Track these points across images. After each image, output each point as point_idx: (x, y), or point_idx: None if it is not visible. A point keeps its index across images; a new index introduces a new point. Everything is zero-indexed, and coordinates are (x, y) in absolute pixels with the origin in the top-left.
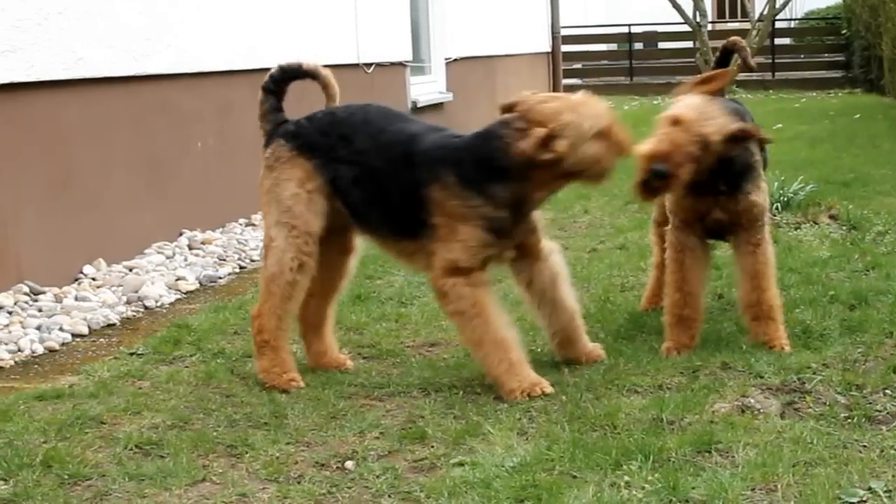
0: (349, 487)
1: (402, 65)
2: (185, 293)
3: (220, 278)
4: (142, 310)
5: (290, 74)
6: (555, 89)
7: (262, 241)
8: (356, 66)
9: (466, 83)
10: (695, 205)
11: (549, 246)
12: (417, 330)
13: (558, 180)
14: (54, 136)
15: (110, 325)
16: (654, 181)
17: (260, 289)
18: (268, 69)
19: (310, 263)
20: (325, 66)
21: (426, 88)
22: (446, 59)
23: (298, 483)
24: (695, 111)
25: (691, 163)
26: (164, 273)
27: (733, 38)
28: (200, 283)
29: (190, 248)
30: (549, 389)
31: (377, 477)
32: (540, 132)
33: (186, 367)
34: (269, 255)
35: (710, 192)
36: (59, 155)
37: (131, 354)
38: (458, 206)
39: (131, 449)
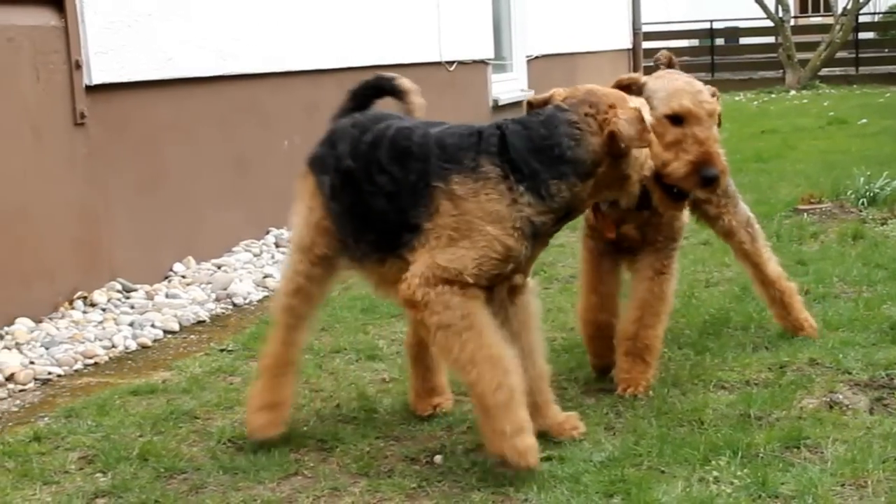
0: (439, 481)
1: (483, 63)
2: (272, 290)
3: None
4: (230, 307)
5: (372, 92)
6: None
7: None
8: (438, 64)
9: (548, 81)
10: (609, 212)
11: (531, 282)
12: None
13: (612, 184)
14: (145, 136)
15: (200, 322)
16: (707, 189)
17: None
18: (353, 68)
19: (306, 287)
20: (408, 63)
21: (507, 86)
22: (528, 56)
23: (389, 477)
24: (689, 97)
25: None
26: (251, 270)
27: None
28: None
29: (277, 245)
30: (535, 462)
31: (466, 471)
32: (635, 114)
33: None
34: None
35: (640, 204)
36: (150, 154)
37: (221, 351)
38: (492, 203)
39: (224, 443)
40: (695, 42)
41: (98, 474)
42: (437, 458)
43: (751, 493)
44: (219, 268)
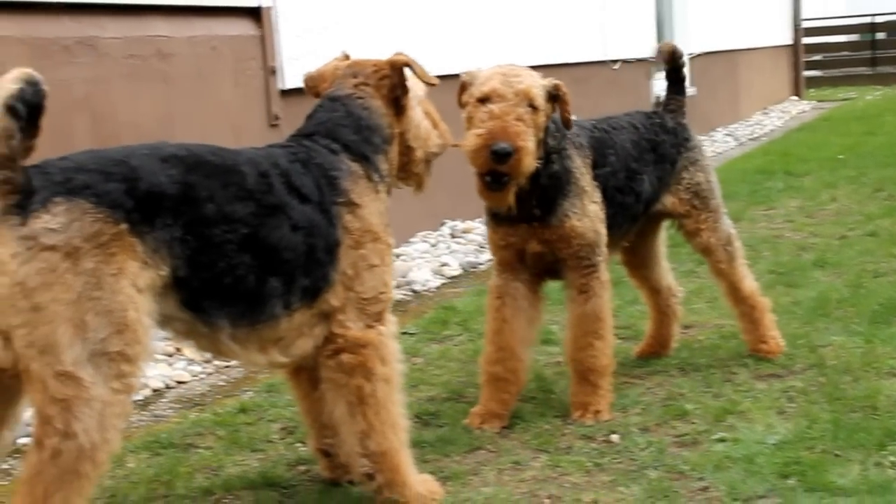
0: (616, 459)
1: (646, 61)
2: (449, 278)
3: (481, 264)
4: (410, 293)
5: None
6: (796, 82)
7: None
8: (602, 63)
9: (709, 78)
10: (507, 236)
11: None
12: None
13: (402, 162)
14: None
15: None
16: (499, 165)
17: None
18: None
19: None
20: (572, 63)
21: None
22: (689, 54)
23: (567, 454)
24: (499, 78)
25: (531, 128)
26: (429, 259)
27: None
28: (463, 268)
29: (452, 236)
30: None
31: (642, 450)
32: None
33: (455, 345)
34: None
35: (522, 217)
36: None
37: (404, 333)
38: (374, 202)
39: (412, 419)
40: (855, 37)
41: (298, 444)
42: (614, 437)
43: None
44: (398, 257)
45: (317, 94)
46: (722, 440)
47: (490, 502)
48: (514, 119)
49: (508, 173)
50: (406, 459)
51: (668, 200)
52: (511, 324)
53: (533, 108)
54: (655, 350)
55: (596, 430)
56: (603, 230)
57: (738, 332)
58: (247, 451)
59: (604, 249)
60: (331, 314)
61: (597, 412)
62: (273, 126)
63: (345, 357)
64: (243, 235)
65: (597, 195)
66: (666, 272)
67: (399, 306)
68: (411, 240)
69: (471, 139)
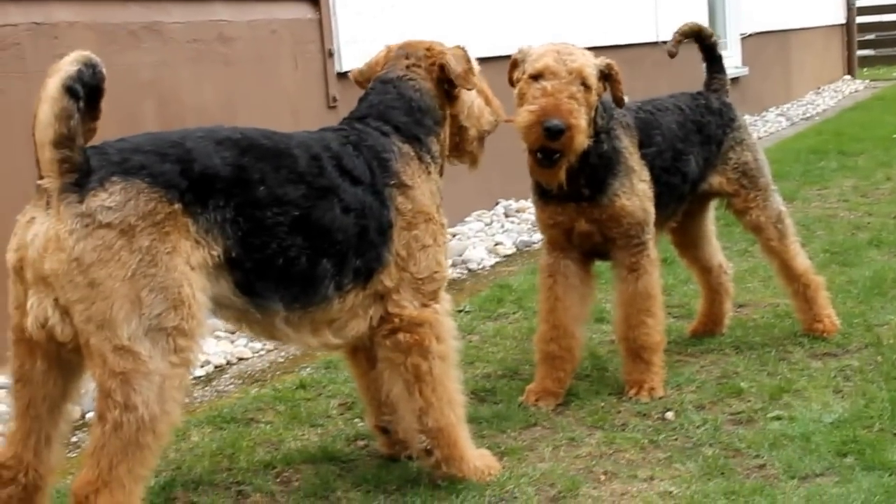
0: (671, 436)
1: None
2: (503, 257)
3: (534, 243)
4: (466, 271)
5: None
6: (849, 62)
7: None
8: (654, 44)
9: (761, 57)
10: (555, 215)
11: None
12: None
13: (455, 141)
14: None
15: None
16: (552, 142)
17: None
18: None
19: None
20: (624, 44)
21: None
22: (741, 34)
23: (622, 430)
24: (553, 55)
25: (583, 106)
26: (483, 238)
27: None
28: (517, 247)
29: (506, 215)
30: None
31: (697, 427)
32: (459, 52)
33: (510, 323)
34: None
35: (570, 196)
36: None
37: (459, 311)
38: (427, 182)
39: (468, 395)
40: None
41: (357, 419)
42: (669, 415)
43: None
44: (454, 236)
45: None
46: (778, 418)
47: (546, 478)
48: (566, 97)
49: (560, 150)
50: (463, 435)
51: (716, 180)
52: (564, 302)
53: (585, 86)
54: (709, 328)
55: (651, 407)
56: (651, 209)
57: (792, 310)
58: (306, 426)
59: (652, 228)
60: (385, 294)
61: (651, 389)
62: (331, 108)
63: (401, 336)
64: (294, 217)
65: (645, 174)
66: (716, 251)
67: (455, 284)
68: (466, 219)
69: (523, 115)
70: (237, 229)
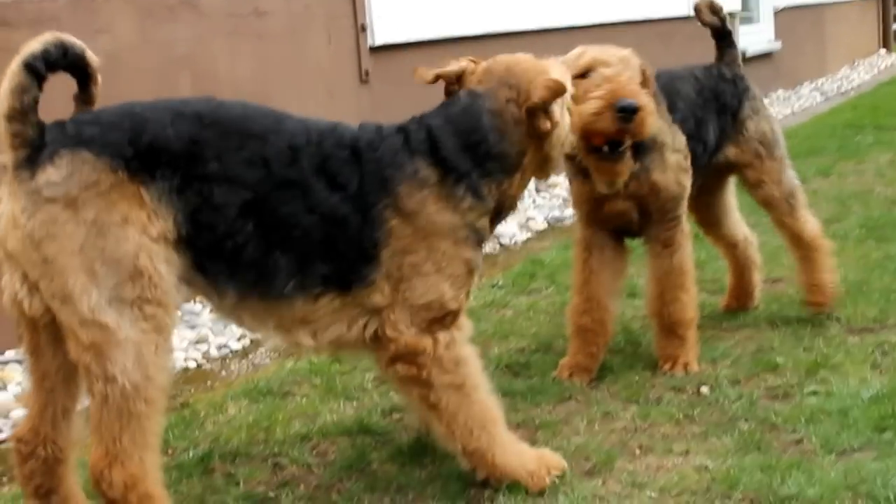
0: (706, 411)
1: (731, 15)
2: (535, 232)
3: (566, 219)
4: (498, 246)
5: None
6: (884, 35)
7: None
8: (685, 18)
9: (794, 32)
10: (592, 192)
11: None
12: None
13: (535, 170)
14: (421, 91)
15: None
16: (626, 124)
17: None
18: (601, 25)
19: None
20: (655, 19)
21: (755, 38)
22: (775, 8)
23: (657, 405)
24: (593, 50)
25: (646, 88)
26: (515, 213)
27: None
28: (548, 222)
29: (538, 191)
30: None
31: (733, 402)
32: (554, 83)
33: (543, 297)
34: None
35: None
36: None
37: (493, 286)
38: (442, 213)
39: (502, 369)
40: None
41: (392, 393)
42: (704, 389)
43: None
44: None
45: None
46: (814, 393)
47: (581, 451)
48: (627, 81)
49: (632, 135)
50: (502, 450)
51: (731, 151)
52: (598, 275)
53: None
54: (742, 302)
55: (686, 382)
56: (687, 181)
57: None
58: (342, 399)
59: (686, 201)
60: (379, 311)
61: (686, 364)
62: (363, 82)
63: (399, 367)
64: (245, 201)
65: (679, 140)
66: (739, 224)
67: (488, 259)
68: None
69: (591, 105)
70: (185, 203)
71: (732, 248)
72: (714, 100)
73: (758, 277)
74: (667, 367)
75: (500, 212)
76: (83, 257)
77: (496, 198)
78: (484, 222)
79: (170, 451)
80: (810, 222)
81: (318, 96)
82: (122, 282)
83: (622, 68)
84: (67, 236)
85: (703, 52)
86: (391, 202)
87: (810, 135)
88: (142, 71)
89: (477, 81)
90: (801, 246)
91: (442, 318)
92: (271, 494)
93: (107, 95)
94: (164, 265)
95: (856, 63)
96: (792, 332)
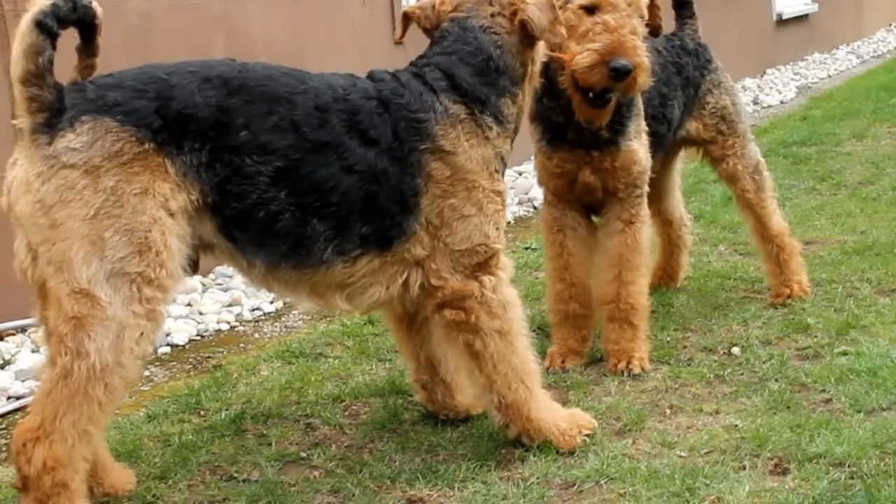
0: (737, 371)
1: None
2: None
3: None
4: (531, 209)
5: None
6: None
7: None
8: None
9: None
10: (563, 163)
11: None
12: (791, 229)
13: (535, 74)
14: None
15: (506, 223)
16: (617, 83)
17: None
18: None
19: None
20: None
21: (791, 0)
22: None
23: (689, 365)
24: None
25: (645, 42)
26: None
27: None
28: None
29: None
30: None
31: (763, 363)
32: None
33: None
34: None
35: (584, 142)
36: None
37: (525, 249)
38: (476, 148)
39: (535, 330)
40: None
41: None
42: (735, 350)
43: None
44: (520, 174)
45: (433, 28)
46: (844, 353)
47: (612, 411)
48: (629, 32)
49: (623, 90)
50: (537, 406)
51: (692, 126)
52: (577, 257)
53: (641, 18)
54: (664, 281)
55: (717, 342)
56: (646, 165)
57: (859, 248)
58: (374, 361)
59: (645, 186)
60: (421, 263)
61: (641, 360)
62: (397, 44)
63: (447, 312)
64: (278, 168)
65: (643, 122)
66: (678, 203)
67: (521, 222)
68: (531, 157)
69: (585, 55)
70: (213, 175)
71: (667, 227)
72: (677, 74)
73: (685, 259)
74: (621, 364)
75: (517, 131)
76: (94, 225)
77: (515, 116)
78: (508, 147)
79: (202, 413)
80: (776, 214)
81: (351, 58)
82: (129, 254)
83: (629, 14)
84: (82, 203)
85: (739, 11)
86: (430, 145)
87: (846, 97)
88: (175, 32)
89: (453, 9)
90: (767, 240)
91: (486, 262)
92: (303, 454)
93: (140, 55)
94: (177, 241)
95: (892, 26)
96: (823, 294)
